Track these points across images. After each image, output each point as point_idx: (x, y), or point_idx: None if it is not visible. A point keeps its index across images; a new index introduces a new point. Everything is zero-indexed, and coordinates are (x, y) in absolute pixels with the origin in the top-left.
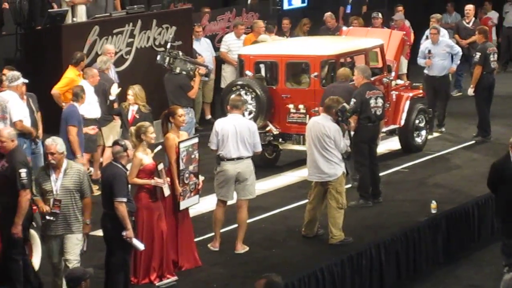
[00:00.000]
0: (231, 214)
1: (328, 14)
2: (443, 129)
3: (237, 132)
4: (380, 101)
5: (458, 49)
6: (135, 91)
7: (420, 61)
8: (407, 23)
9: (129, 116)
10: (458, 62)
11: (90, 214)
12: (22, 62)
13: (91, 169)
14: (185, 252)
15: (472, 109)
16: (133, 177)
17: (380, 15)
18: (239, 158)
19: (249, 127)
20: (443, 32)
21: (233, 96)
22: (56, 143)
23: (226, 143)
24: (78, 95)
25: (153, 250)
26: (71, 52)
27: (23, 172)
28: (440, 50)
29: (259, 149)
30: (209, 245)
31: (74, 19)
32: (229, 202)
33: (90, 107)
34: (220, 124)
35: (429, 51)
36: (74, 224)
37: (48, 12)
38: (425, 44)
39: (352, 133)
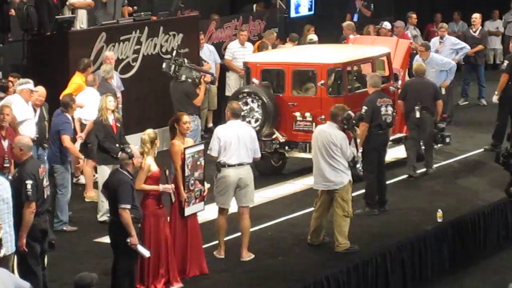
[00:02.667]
0: (236, 222)
1: (346, 24)
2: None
3: (239, 138)
4: (390, 109)
5: (452, 64)
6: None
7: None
8: (418, 31)
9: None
10: (462, 56)
11: None
12: (29, 68)
13: (81, 177)
14: (193, 259)
15: (478, 118)
16: (140, 183)
17: (388, 25)
18: (240, 164)
19: (250, 133)
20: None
21: (233, 103)
22: None
23: (229, 150)
24: (68, 104)
25: (160, 257)
26: (78, 58)
27: (28, 183)
28: (430, 69)
29: (259, 155)
30: (214, 253)
31: (77, 23)
32: (231, 210)
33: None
34: (221, 131)
35: None
36: None
37: (55, 18)
38: (417, 59)
39: (358, 140)
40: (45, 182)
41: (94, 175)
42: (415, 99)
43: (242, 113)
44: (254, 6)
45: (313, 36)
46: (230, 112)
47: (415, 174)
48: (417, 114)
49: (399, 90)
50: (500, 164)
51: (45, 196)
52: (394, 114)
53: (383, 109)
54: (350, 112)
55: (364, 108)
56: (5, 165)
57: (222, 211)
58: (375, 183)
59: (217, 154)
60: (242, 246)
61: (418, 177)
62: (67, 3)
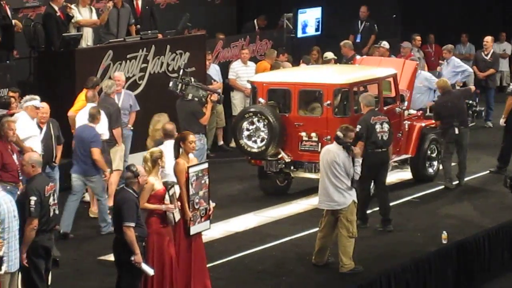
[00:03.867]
0: (240, 242)
1: (343, 43)
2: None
3: None
4: (386, 126)
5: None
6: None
7: None
8: (421, 53)
9: None
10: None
11: None
12: (35, 85)
13: (85, 194)
14: (197, 278)
15: (484, 140)
16: (144, 202)
17: (386, 44)
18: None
19: None
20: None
21: (167, 124)
22: None
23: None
24: (94, 116)
25: (164, 275)
26: (84, 76)
27: (32, 200)
28: (417, 83)
29: None
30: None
31: (88, 43)
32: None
33: (100, 129)
34: None
35: None
36: None
37: (62, 36)
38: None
39: (357, 160)
40: (52, 201)
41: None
42: (451, 117)
43: (248, 133)
44: (255, 21)
45: (329, 54)
46: (163, 133)
47: (452, 186)
48: (456, 131)
49: (405, 111)
50: (508, 187)
51: (51, 215)
52: (399, 135)
53: (378, 126)
54: (338, 132)
55: (358, 126)
56: (20, 177)
57: None
58: (367, 199)
59: None
60: None
61: (422, 198)
62: (73, 21)
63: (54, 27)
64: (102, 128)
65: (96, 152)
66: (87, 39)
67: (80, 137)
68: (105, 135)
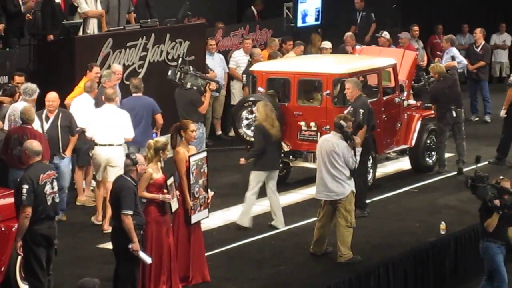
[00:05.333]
0: (238, 231)
1: (349, 34)
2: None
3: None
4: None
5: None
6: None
7: None
8: (420, 44)
9: None
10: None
11: None
12: (35, 73)
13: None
14: (196, 266)
15: (485, 132)
16: (141, 190)
17: (387, 34)
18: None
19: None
20: (455, 53)
21: (108, 90)
22: None
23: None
24: (110, 97)
25: (162, 264)
26: (84, 64)
27: (24, 188)
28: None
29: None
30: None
31: (88, 31)
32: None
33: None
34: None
35: None
36: None
37: (62, 24)
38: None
39: (358, 149)
40: (50, 189)
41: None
42: (448, 102)
43: (248, 122)
44: (253, 7)
45: (326, 44)
46: (105, 97)
47: (444, 171)
48: (454, 114)
49: (404, 101)
50: (468, 187)
51: (48, 203)
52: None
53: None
54: (341, 121)
55: (361, 111)
56: None
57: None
58: (365, 185)
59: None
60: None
61: (421, 189)
62: (79, 11)
63: (49, 15)
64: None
65: (160, 119)
66: (94, 30)
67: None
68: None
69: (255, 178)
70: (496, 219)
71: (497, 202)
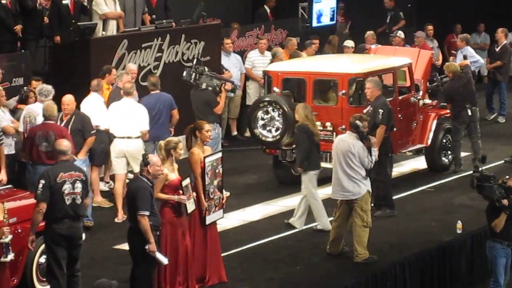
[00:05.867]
0: (254, 231)
1: (370, 33)
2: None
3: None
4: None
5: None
6: None
7: None
8: (435, 43)
9: None
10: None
11: None
12: (50, 75)
13: (111, 182)
14: (212, 267)
15: (499, 130)
16: (157, 191)
17: (402, 34)
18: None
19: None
20: (471, 52)
21: (126, 83)
22: None
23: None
24: (129, 91)
25: (178, 265)
26: (99, 65)
27: (41, 183)
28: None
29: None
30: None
31: (103, 32)
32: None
33: (101, 119)
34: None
35: None
36: None
37: (77, 25)
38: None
39: (374, 149)
40: (69, 189)
41: (108, 182)
42: (463, 101)
43: (263, 122)
44: (265, 6)
45: (349, 42)
46: (123, 91)
47: (460, 170)
48: (469, 112)
49: (420, 101)
50: (474, 188)
51: (67, 203)
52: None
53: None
54: (357, 121)
55: (381, 111)
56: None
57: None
58: (389, 184)
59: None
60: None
61: (437, 188)
62: (99, 12)
63: (56, 15)
64: (102, 118)
65: (176, 114)
66: (113, 31)
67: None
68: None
69: (311, 180)
70: (504, 219)
71: (505, 201)
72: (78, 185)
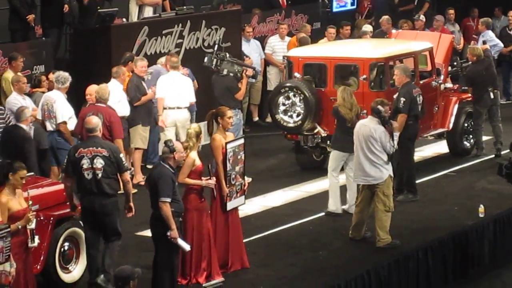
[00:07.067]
0: (276, 216)
1: (385, 17)
2: None
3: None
4: (421, 99)
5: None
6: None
7: None
8: (456, 27)
9: None
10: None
11: None
12: (72, 62)
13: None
14: (235, 253)
15: None
16: (184, 176)
17: (423, 18)
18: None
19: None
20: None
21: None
22: None
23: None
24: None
25: (202, 250)
26: (120, 52)
27: (67, 157)
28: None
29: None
30: None
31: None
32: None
33: (120, 105)
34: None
35: None
36: None
37: (98, 12)
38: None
39: (396, 134)
40: (86, 164)
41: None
42: (486, 84)
43: (284, 107)
44: None
45: (367, 27)
46: (170, 65)
47: (483, 153)
48: (492, 95)
49: (441, 85)
50: (503, 176)
51: (87, 177)
52: (436, 109)
53: (418, 99)
54: (379, 106)
55: (402, 99)
56: None
57: None
58: (414, 170)
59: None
60: None
61: (459, 172)
62: None
63: (76, 4)
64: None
65: None
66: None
67: None
68: (126, 111)
69: (336, 158)
70: None
71: None
72: (98, 161)
